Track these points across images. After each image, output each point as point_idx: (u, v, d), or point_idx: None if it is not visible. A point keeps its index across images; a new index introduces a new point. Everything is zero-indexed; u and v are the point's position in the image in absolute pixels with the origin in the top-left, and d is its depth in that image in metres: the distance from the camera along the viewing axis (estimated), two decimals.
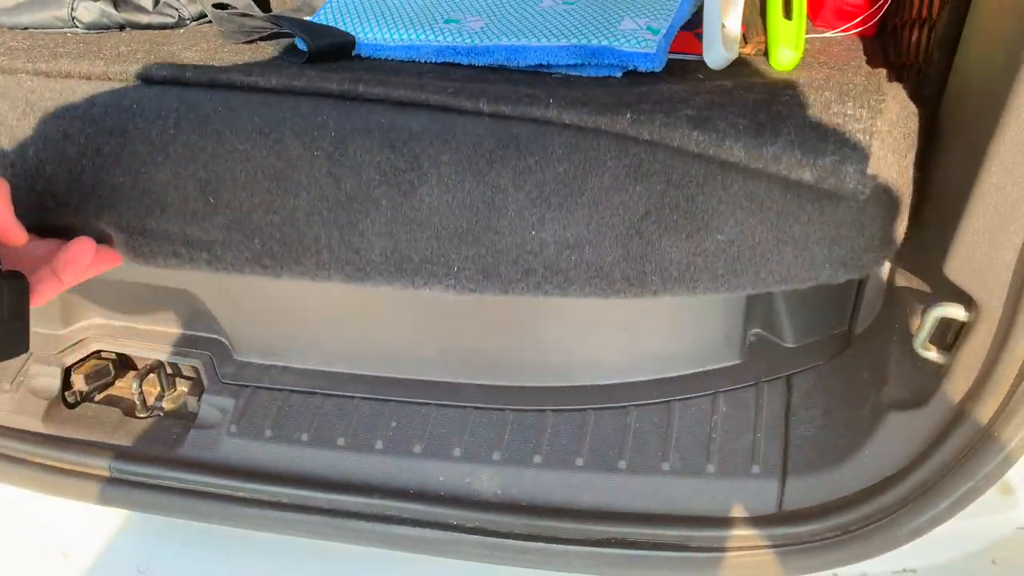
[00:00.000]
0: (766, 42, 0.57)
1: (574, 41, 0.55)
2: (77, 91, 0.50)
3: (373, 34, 0.58)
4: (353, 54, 0.56)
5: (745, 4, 0.56)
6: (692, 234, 0.46)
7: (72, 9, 0.64)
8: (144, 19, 0.64)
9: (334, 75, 0.49)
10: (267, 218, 0.49)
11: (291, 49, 0.55)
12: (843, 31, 0.62)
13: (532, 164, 0.46)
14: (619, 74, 0.53)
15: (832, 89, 0.47)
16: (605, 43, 0.54)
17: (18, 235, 0.44)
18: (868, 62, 0.54)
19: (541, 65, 0.53)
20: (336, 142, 0.48)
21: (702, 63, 0.53)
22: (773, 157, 0.43)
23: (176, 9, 0.65)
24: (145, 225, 0.50)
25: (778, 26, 0.58)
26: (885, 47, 0.59)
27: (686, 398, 0.61)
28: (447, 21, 0.60)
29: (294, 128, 0.48)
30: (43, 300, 0.47)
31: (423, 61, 0.55)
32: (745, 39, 0.57)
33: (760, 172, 0.44)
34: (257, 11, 0.62)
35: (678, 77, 0.52)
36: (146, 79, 0.51)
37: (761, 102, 0.46)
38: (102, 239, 0.51)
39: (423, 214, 0.48)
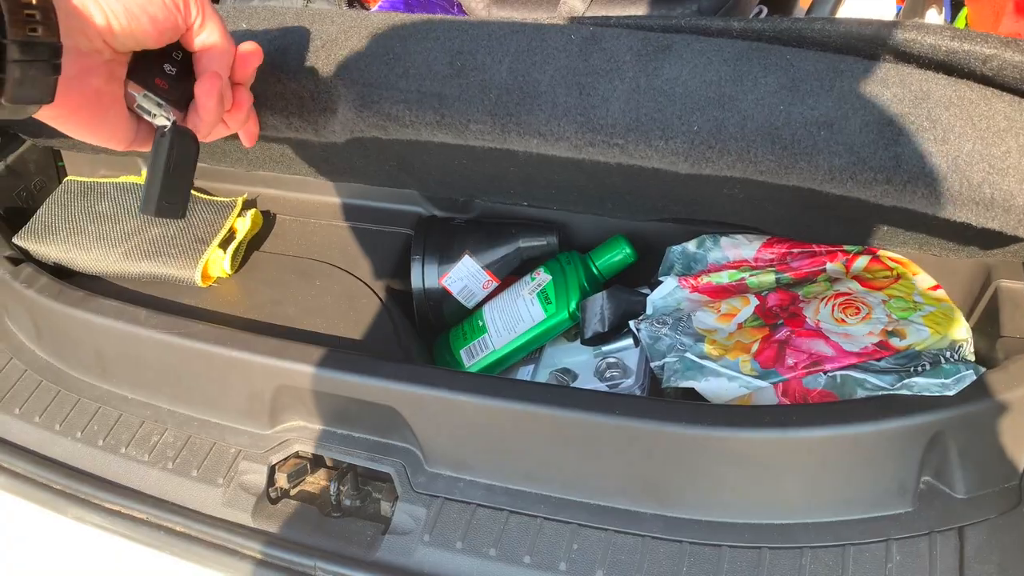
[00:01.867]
0: None
1: None
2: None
3: None
4: None
5: None
6: (941, 140, 0.50)
7: None
8: None
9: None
10: (509, 79, 0.55)
11: None
12: None
13: (782, 60, 0.53)
14: None
15: None
16: None
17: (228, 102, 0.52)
18: None
19: None
20: (593, 34, 0.55)
21: None
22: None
23: None
24: (384, 81, 0.57)
25: None
26: None
27: (860, 543, 0.64)
28: None
29: (554, 25, 0.56)
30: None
31: None
32: None
33: (1008, 104, 0.49)
34: None
35: None
36: None
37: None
38: (325, 107, 0.58)
39: (668, 86, 0.53)
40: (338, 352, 0.74)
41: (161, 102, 0.50)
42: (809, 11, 0.81)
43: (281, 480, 0.78)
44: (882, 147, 0.50)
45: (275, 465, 0.77)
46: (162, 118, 0.51)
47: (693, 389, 0.71)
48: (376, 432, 0.76)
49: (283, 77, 0.59)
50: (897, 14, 0.94)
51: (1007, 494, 0.65)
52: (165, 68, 0.50)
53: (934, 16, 0.82)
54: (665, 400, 0.73)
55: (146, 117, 0.51)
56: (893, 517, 0.65)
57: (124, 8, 0.46)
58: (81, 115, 0.48)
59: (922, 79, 0.52)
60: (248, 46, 0.54)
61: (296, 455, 0.79)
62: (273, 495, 0.77)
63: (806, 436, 0.63)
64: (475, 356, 0.86)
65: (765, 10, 0.88)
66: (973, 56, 0.51)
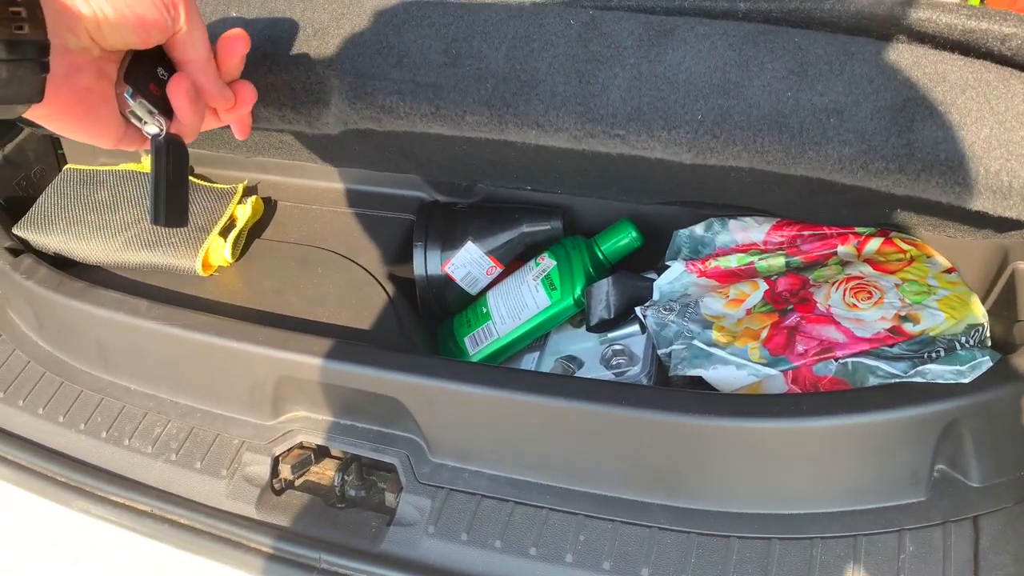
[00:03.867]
0: None
1: None
2: None
3: None
4: None
5: None
6: (956, 126, 0.47)
7: None
8: None
9: None
10: (505, 67, 0.52)
11: None
12: None
13: (790, 43, 0.49)
14: None
15: None
16: None
17: (229, 101, 0.51)
18: None
19: None
20: (593, 18, 0.52)
21: None
22: None
23: None
24: (377, 71, 0.55)
25: None
26: None
27: (872, 534, 0.63)
28: None
29: (553, 8, 0.53)
30: None
31: None
32: None
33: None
34: None
35: None
36: None
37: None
38: (318, 99, 0.57)
39: (670, 72, 0.50)
40: (340, 342, 0.73)
41: (153, 109, 0.49)
42: None
43: (285, 471, 0.77)
44: (895, 134, 0.48)
45: (279, 456, 0.77)
46: (153, 125, 0.50)
47: (701, 377, 0.69)
48: (380, 422, 0.76)
49: (274, 68, 0.58)
50: None
51: (1023, 483, 0.63)
52: (159, 73, 0.49)
53: None
54: (672, 390, 0.72)
55: (136, 123, 0.50)
56: (906, 507, 0.64)
57: (112, 5, 0.44)
58: (71, 113, 0.47)
59: (937, 60, 0.50)
60: (232, 32, 0.52)
61: (300, 446, 0.78)
62: (277, 486, 0.76)
63: (817, 425, 0.62)
64: (479, 344, 0.85)
65: None
66: (991, 35, 0.48)
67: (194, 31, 0.48)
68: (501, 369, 0.77)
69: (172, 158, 0.49)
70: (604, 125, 0.51)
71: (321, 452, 0.79)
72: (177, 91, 0.49)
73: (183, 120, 0.50)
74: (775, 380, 0.67)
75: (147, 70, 0.48)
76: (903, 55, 0.50)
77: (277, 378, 0.75)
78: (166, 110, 0.50)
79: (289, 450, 0.77)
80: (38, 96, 0.43)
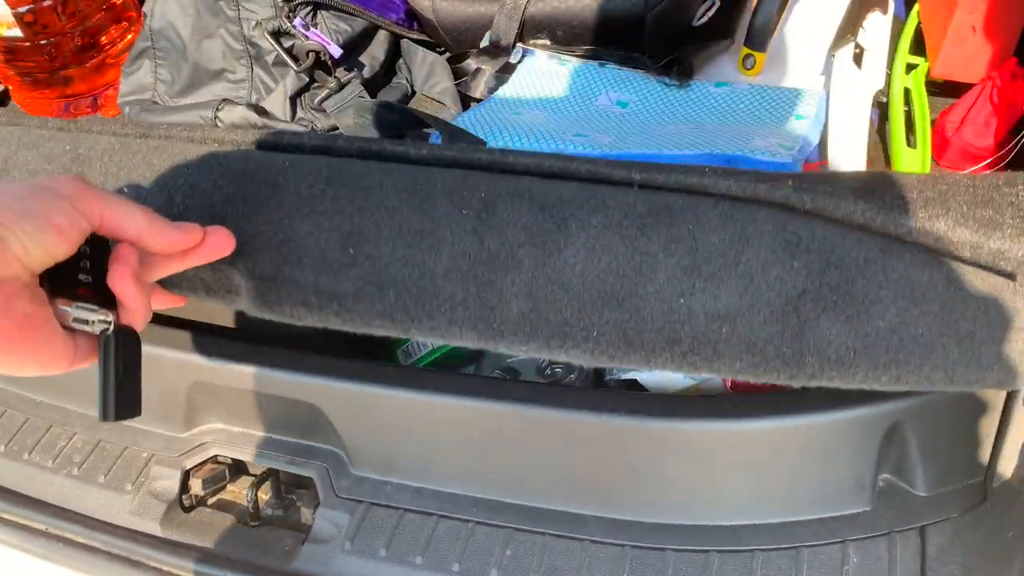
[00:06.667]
0: None
1: (707, 150, 0.56)
2: (231, 149, 0.54)
3: (504, 143, 0.61)
4: None
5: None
6: (852, 317, 0.45)
7: (217, 110, 0.69)
8: (280, 127, 0.68)
9: (484, 151, 0.52)
10: (404, 272, 0.49)
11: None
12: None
13: (684, 232, 0.46)
14: None
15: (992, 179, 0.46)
16: (739, 153, 0.55)
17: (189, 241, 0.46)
18: None
19: None
20: (486, 203, 0.48)
21: None
22: (945, 231, 0.43)
23: (311, 122, 0.70)
24: (278, 273, 0.51)
25: (901, 155, 0.59)
26: None
27: (814, 545, 0.60)
28: (576, 135, 0.63)
29: (444, 188, 0.49)
30: None
31: None
32: None
33: (923, 261, 0.44)
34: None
35: None
36: (298, 147, 0.54)
37: (925, 181, 0.46)
38: (229, 290, 0.53)
39: (566, 276, 0.47)
40: (256, 346, 0.69)
41: (93, 307, 0.45)
42: (758, 6, 0.78)
43: (196, 487, 0.71)
44: (787, 339, 0.45)
45: (189, 470, 0.71)
46: (99, 323, 0.46)
47: (636, 381, 0.66)
48: (299, 434, 0.71)
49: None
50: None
51: (971, 491, 0.60)
52: (81, 278, 0.45)
53: (878, 19, 0.78)
54: (601, 390, 0.68)
55: (85, 328, 0.45)
56: (850, 517, 0.61)
57: (33, 226, 0.41)
58: (16, 344, 0.42)
59: (835, 239, 0.45)
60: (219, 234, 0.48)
61: (214, 460, 0.73)
62: (187, 503, 0.71)
63: (753, 428, 0.58)
64: (412, 356, 0.81)
65: (717, 3, 0.85)
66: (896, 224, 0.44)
67: (119, 207, 0.44)
68: (422, 371, 0.73)
69: (123, 349, 0.45)
70: (506, 339, 0.48)
71: (238, 468, 0.74)
72: (120, 277, 0.44)
73: (130, 304, 0.45)
74: (712, 384, 0.64)
75: (69, 273, 0.44)
76: (801, 233, 0.45)
77: (189, 384, 0.70)
78: (104, 303, 0.45)
79: (202, 464, 0.72)
80: None
